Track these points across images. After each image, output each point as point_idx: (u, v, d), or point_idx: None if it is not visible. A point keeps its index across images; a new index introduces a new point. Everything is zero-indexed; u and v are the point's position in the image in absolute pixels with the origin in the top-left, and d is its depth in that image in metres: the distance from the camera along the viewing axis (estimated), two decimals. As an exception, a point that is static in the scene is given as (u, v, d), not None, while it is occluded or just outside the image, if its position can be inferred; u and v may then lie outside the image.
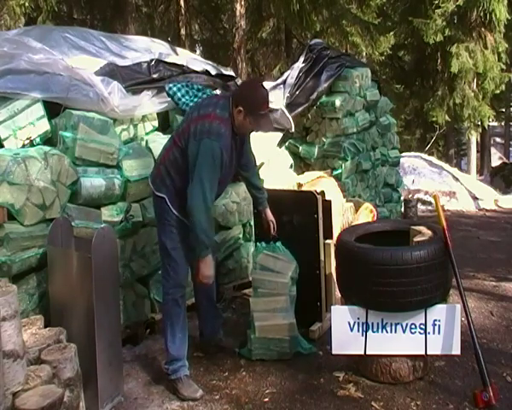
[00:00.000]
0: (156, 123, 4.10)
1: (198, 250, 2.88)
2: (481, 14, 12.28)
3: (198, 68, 4.43)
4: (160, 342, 3.43)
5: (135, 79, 3.83)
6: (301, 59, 6.15)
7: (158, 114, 4.11)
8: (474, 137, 15.60)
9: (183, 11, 11.86)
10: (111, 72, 3.68)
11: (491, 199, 10.81)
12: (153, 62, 4.02)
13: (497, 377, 3.09)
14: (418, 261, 2.87)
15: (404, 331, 3.04)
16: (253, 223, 4.26)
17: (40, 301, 3.05)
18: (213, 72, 4.56)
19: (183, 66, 4.27)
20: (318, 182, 5.09)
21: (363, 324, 3.07)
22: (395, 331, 3.04)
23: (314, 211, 3.71)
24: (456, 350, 3.01)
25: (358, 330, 3.08)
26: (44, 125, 3.31)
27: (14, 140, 3.16)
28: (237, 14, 9.17)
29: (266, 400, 3.00)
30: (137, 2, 12.57)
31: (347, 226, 4.30)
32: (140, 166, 3.66)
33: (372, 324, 3.07)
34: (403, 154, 10.95)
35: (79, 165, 3.33)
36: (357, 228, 3.52)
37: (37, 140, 3.27)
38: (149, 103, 3.93)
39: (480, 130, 15.22)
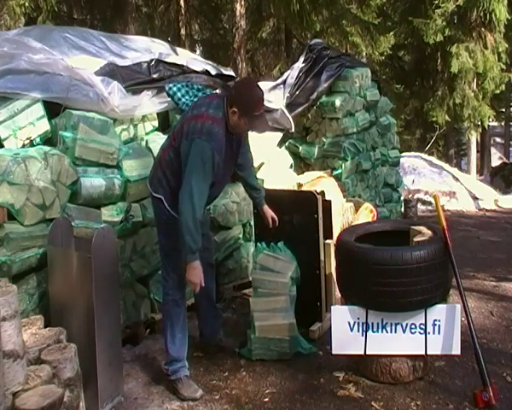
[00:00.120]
0: (156, 123, 4.10)
1: (183, 253, 2.83)
2: (481, 14, 12.29)
3: (198, 68, 4.43)
4: (160, 342, 3.43)
5: (135, 79, 3.83)
6: (301, 59, 6.14)
7: (158, 114, 4.11)
8: (474, 137, 15.60)
9: (183, 11, 11.86)
10: (111, 72, 3.68)
11: (491, 199, 10.81)
12: (153, 62, 4.02)
13: (497, 377, 3.09)
14: (418, 261, 2.87)
15: (404, 331, 3.04)
16: (252, 223, 4.26)
17: (40, 301, 3.05)
18: (213, 72, 4.56)
19: (183, 66, 4.27)
20: (318, 182, 5.09)
21: (363, 324, 3.07)
22: (395, 331, 3.04)
23: (314, 211, 3.71)
24: (456, 350, 3.01)
25: (358, 330, 3.08)
26: (44, 125, 3.31)
27: (14, 140, 3.16)
28: (237, 14, 9.16)
29: (266, 400, 3.00)
30: (137, 2, 12.57)
31: (347, 226, 4.30)
32: (140, 166, 3.66)
33: (372, 324, 3.07)
34: (403, 154, 10.95)
35: (79, 165, 3.33)
36: (357, 228, 3.52)
37: (37, 140, 3.27)
38: (149, 103, 3.93)
39: (480, 130, 15.22)
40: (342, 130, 6.11)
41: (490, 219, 9.09)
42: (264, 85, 5.72)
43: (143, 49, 4.31)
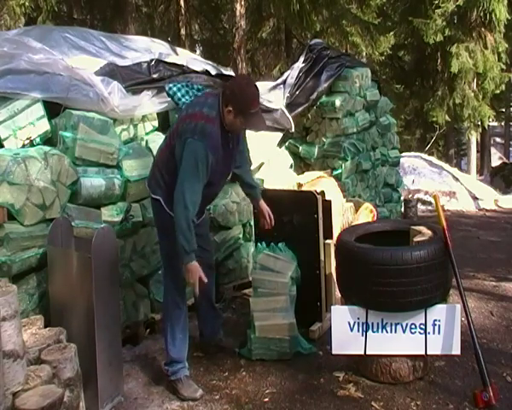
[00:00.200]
0: (156, 123, 4.10)
1: (180, 255, 2.83)
2: (481, 14, 12.30)
3: (198, 68, 4.42)
4: (160, 342, 3.43)
5: (135, 79, 3.82)
6: (301, 59, 6.14)
7: (158, 114, 4.10)
8: (474, 137, 15.60)
9: (183, 11, 11.86)
10: (111, 72, 3.68)
11: (491, 199, 10.81)
12: (153, 62, 4.02)
13: (497, 377, 3.09)
14: (418, 261, 2.87)
15: (404, 331, 3.04)
16: (252, 223, 4.26)
17: (40, 301, 3.05)
18: (213, 72, 4.56)
19: (183, 66, 4.27)
20: (318, 182, 5.09)
21: (363, 324, 3.07)
22: (395, 331, 3.04)
23: (314, 211, 3.71)
24: (456, 350, 3.01)
25: (358, 330, 3.08)
26: (44, 125, 3.31)
27: (14, 140, 3.16)
28: (237, 14, 9.17)
29: (266, 400, 3.00)
30: (137, 2, 12.57)
31: (347, 226, 4.30)
32: (140, 166, 3.66)
33: (372, 324, 3.07)
34: (403, 154, 10.95)
35: (79, 165, 3.33)
36: (357, 228, 3.52)
37: (37, 140, 3.27)
38: (149, 103, 3.92)
39: (480, 130, 15.23)
40: (342, 130, 6.11)
41: (490, 219, 9.09)
42: (264, 85, 5.73)
43: (143, 49, 4.31)
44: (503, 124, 27.08)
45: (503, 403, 2.85)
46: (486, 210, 10.10)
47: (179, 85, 3.99)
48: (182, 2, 11.75)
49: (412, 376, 3.08)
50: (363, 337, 3.07)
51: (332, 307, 3.20)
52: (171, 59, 4.26)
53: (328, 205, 3.83)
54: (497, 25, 12.37)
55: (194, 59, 4.77)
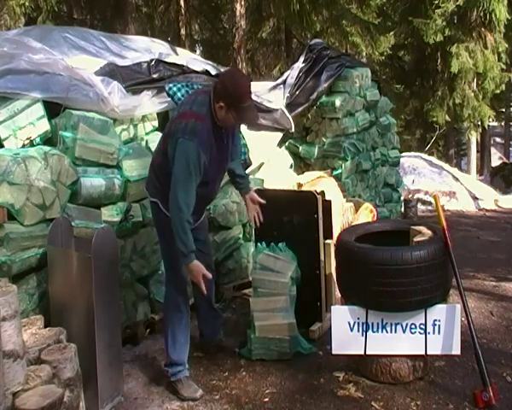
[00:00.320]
0: (156, 123, 4.10)
1: (180, 257, 2.82)
2: (481, 14, 12.30)
3: (198, 68, 4.43)
4: (160, 342, 3.44)
5: (135, 79, 3.83)
6: (301, 59, 6.14)
7: (158, 114, 4.11)
8: (474, 137, 15.60)
9: (183, 11, 11.86)
10: (111, 72, 3.69)
11: (491, 199, 10.81)
12: (153, 62, 4.02)
13: (497, 377, 3.09)
14: (418, 261, 2.87)
15: (404, 331, 3.04)
16: (253, 223, 4.26)
17: (40, 301, 3.05)
18: (213, 72, 4.56)
19: (183, 66, 4.27)
20: (318, 182, 5.09)
21: (363, 324, 3.07)
22: (395, 331, 3.04)
23: (314, 211, 3.71)
24: (456, 350, 3.01)
25: (358, 330, 3.08)
26: (44, 125, 3.31)
27: (14, 140, 3.16)
28: (237, 14, 9.17)
29: (266, 400, 3.00)
30: (137, 2, 12.58)
31: (347, 226, 4.30)
32: (140, 166, 3.66)
33: (372, 324, 3.07)
34: (403, 154, 10.95)
35: (79, 165, 3.33)
36: (357, 228, 3.52)
37: (37, 140, 3.27)
38: (149, 103, 3.93)
39: (479, 130, 15.23)
40: (342, 130, 6.11)
41: (490, 219, 9.09)
42: (264, 85, 5.73)
43: (143, 49, 4.32)
44: (503, 124, 27.08)
45: (503, 403, 2.85)
46: (486, 210, 10.10)
47: (179, 85, 4.00)
48: (182, 2, 11.76)
49: (412, 376, 3.08)
50: (363, 337, 3.07)
51: (332, 307, 3.20)
52: (171, 59, 4.26)
53: (328, 205, 3.83)
54: (497, 25, 12.37)
55: (194, 59, 4.77)
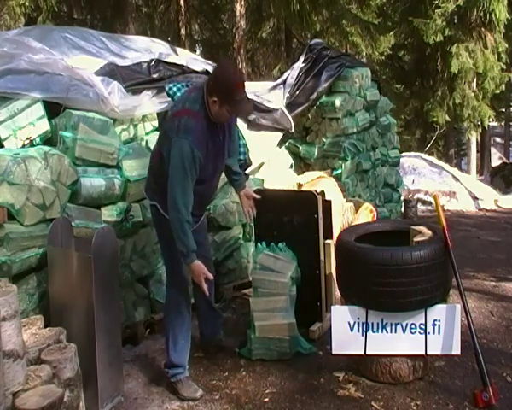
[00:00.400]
0: (156, 123, 4.10)
1: (181, 257, 2.82)
2: (481, 14, 12.30)
3: (198, 68, 4.43)
4: (160, 342, 3.44)
5: (135, 79, 3.83)
6: (301, 59, 6.14)
7: (158, 114, 4.11)
8: (474, 137, 15.61)
9: (183, 11, 11.87)
10: (111, 72, 3.69)
11: (491, 199, 10.81)
12: (153, 62, 4.03)
13: (497, 377, 3.08)
14: (418, 261, 2.87)
15: (404, 331, 3.04)
16: (253, 223, 4.26)
17: (40, 301, 3.05)
18: (213, 72, 4.56)
19: (183, 66, 4.27)
20: (318, 182, 5.09)
21: (363, 324, 3.07)
22: (395, 331, 3.04)
23: (314, 211, 3.70)
24: (456, 350, 3.01)
25: (358, 330, 3.08)
26: (44, 125, 3.31)
27: (14, 140, 3.16)
28: (237, 14, 9.17)
29: (266, 400, 3.00)
30: (137, 2, 12.58)
31: (347, 226, 4.30)
32: (140, 166, 3.66)
33: (372, 324, 3.06)
34: (403, 154, 10.95)
35: (79, 165, 3.33)
36: (357, 228, 3.52)
37: (37, 140, 3.27)
38: (149, 103, 3.93)
39: (479, 130, 15.23)
40: (342, 130, 6.11)
41: (490, 219, 9.09)
42: (264, 85, 5.73)
43: (143, 49, 4.32)
44: (503, 124, 27.09)
45: (503, 403, 2.85)
46: (486, 210, 10.10)
47: (179, 85, 4.00)
48: (182, 2, 11.76)
49: (412, 376, 3.08)
50: (363, 337, 3.07)
51: (332, 307, 3.20)
52: (171, 59, 4.26)
53: (328, 205, 3.83)
54: (497, 25, 12.38)
55: (194, 59, 4.77)
